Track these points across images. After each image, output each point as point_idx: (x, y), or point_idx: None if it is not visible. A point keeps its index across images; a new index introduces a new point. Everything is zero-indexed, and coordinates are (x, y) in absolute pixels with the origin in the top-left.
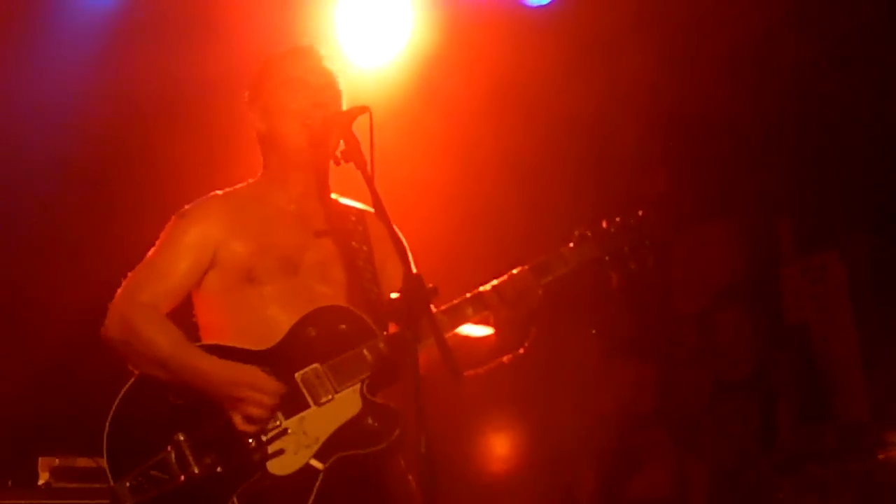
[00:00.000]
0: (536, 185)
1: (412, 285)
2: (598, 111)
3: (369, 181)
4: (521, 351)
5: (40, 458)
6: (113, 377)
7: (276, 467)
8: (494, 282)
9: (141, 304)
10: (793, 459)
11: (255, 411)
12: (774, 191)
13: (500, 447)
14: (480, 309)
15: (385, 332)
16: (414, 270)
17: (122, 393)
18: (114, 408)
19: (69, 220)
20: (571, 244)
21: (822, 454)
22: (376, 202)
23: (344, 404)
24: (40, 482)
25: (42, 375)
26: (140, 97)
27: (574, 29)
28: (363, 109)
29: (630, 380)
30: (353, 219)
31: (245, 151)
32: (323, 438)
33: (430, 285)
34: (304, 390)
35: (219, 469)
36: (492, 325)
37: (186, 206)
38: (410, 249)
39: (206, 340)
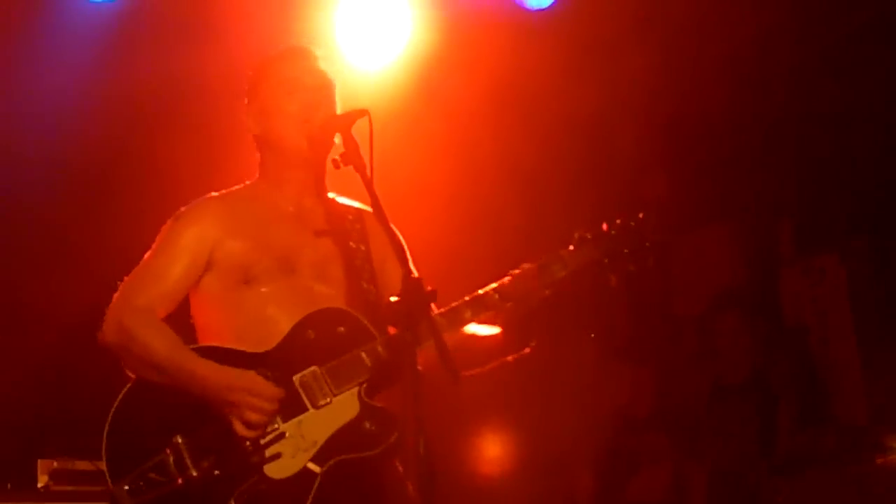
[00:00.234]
0: (536, 187)
1: (412, 288)
2: (597, 114)
3: (369, 184)
4: (527, 350)
5: (39, 461)
6: (112, 380)
7: (274, 471)
8: (494, 284)
9: (137, 308)
10: (792, 462)
11: (253, 416)
12: (774, 193)
13: (498, 450)
14: (482, 310)
15: (384, 335)
16: (414, 273)
17: (122, 395)
18: (113, 410)
19: (67, 222)
20: (571, 246)
21: (821, 457)
22: (375, 205)
23: (342, 408)
24: (39, 485)
25: (41, 378)
26: (138, 99)
27: (574, 32)
28: (362, 113)
29: (628, 382)
30: (351, 218)
31: (243, 153)
32: (320, 442)
33: (430, 288)
34: (302, 393)
35: (216, 472)
36: (498, 325)
37: (182, 208)
38: (410, 251)
39: (204, 342)
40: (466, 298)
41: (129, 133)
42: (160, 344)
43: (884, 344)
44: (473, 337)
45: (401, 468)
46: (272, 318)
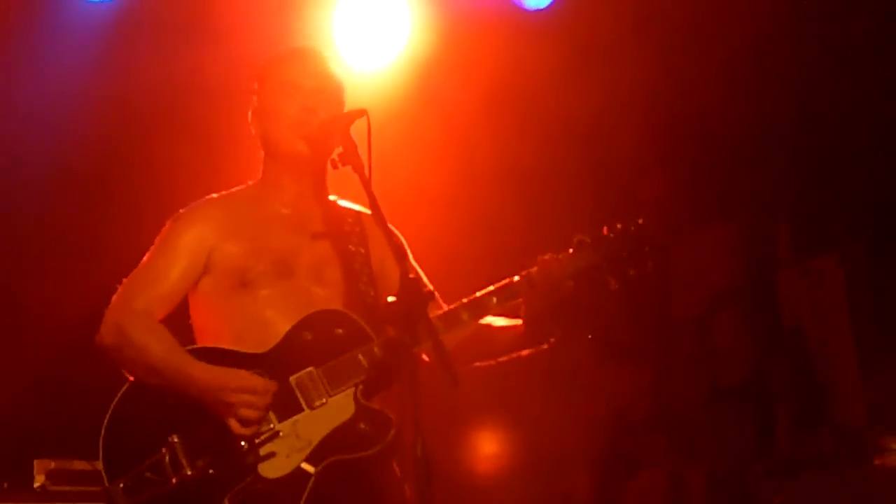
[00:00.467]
0: (534, 188)
1: (409, 288)
2: (596, 115)
3: (367, 185)
4: (546, 346)
5: (36, 461)
6: (109, 381)
7: (268, 470)
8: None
9: (135, 310)
10: (789, 464)
11: (247, 413)
12: (772, 195)
13: (495, 452)
14: (511, 297)
15: (381, 336)
16: (411, 273)
17: (119, 395)
18: (110, 410)
19: (66, 224)
20: (570, 250)
21: (818, 459)
22: (374, 206)
23: (337, 408)
24: (36, 485)
25: (38, 379)
26: (137, 101)
27: (572, 33)
28: (361, 113)
29: (626, 384)
30: (351, 221)
31: (242, 155)
32: (315, 442)
33: (428, 288)
34: (298, 393)
35: (211, 471)
36: (520, 316)
37: (181, 210)
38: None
39: (202, 344)
40: (464, 300)
41: (127, 134)
42: (156, 346)
43: (881, 346)
44: (491, 327)
45: (398, 469)
46: (270, 321)
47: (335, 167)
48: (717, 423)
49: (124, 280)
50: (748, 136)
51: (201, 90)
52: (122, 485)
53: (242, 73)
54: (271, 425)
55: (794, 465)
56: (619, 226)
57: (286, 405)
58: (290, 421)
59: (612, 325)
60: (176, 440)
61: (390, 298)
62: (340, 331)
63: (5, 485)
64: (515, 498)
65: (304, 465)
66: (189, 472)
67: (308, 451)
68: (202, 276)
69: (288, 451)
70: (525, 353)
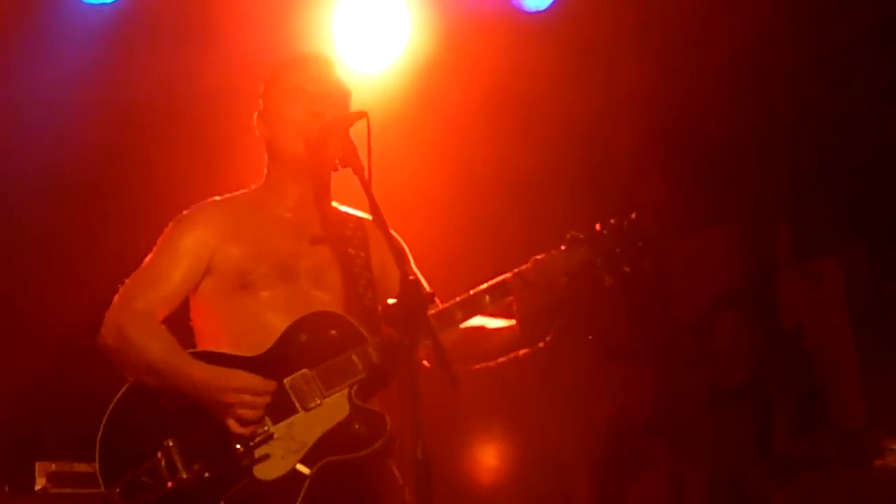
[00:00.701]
0: (534, 190)
1: (410, 291)
2: (595, 117)
3: (366, 186)
4: (541, 345)
5: (37, 464)
6: (110, 383)
7: (264, 472)
8: (484, 286)
9: (136, 311)
10: (789, 466)
11: (246, 413)
12: (771, 197)
13: (495, 454)
14: (503, 295)
15: (376, 337)
16: (412, 275)
17: (116, 399)
18: (107, 414)
19: (65, 227)
20: (563, 247)
21: (818, 460)
22: (373, 207)
23: (332, 409)
24: (37, 487)
25: (39, 381)
26: (136, 103)
27: (572, 35)
28: (361, 115)
29: (626, 386)
30: (352, 225)
31: (242, 158)
32: (310, 443)
33: (428, 290)
34: (293, 395)
35: (206, 475)
36: (514, 316)
37: (184, 212)
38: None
39: (202, 346)
40: (458, 299)
41: (125, 137)
42: (156, 347)
43: (881, 347)
44: (486, 329)
45: (397, 471)
46: (270, 324)
47: (335, 169)
48: (718, 424)
49: (126, 281)
50: (747, 138)
51: (200, 93)
52: (118, 489)
53: (241, 76)
54: (266, 427)
55: (794, 466)
56: (612, 222)
57: (280, 407)
58: (284, 423)
59: (611, 327)
60: (171, 444)
61: (391, 300)
62: (335, 332)
63: (6, 488)
64: (516, 500)
65: (300, 467)
66: (185, 476)
67: (303, 452)
68: (203, 278)
69: (283, 452)
70: (522, 353)
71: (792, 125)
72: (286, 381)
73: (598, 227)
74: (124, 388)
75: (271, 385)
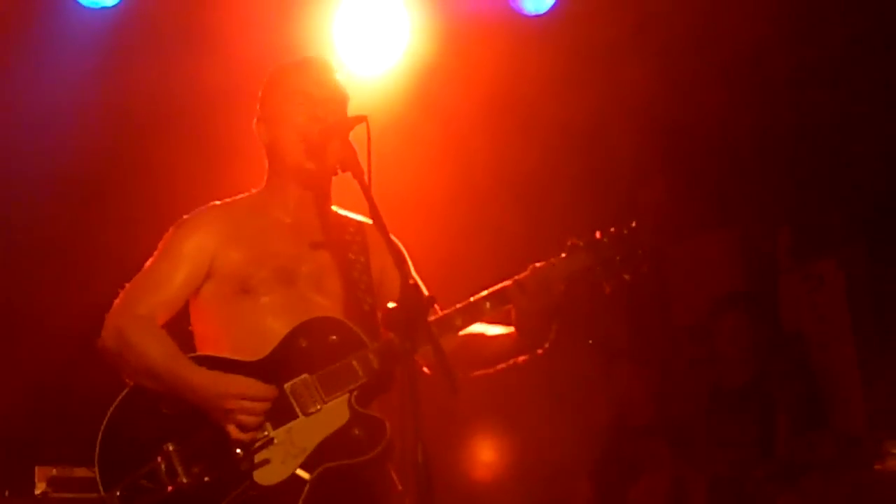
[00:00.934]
0: (534, 194)
1: (409, 294)
2: (595, 121)
3: (366, 190)
4: (540, 352)
5: (37, 468)
6: (110, 387)
7: (263, 477)
8: (484, 292)
9: (136, 315)
10: (790, 469)
11: (245, 419)
12: (772, 200)
13: (496, 457)
14: (503, 303)
15: (376, 343)
16: (412, 279)
17: (116, 403)
18: (107, 418)
19: (65, 231)
20: (563, 254)
21: (819, 464)
22: (373, 211)
23: (331, 415)
24: (37, 492)
25: (39, 385)
26: (136, 107)
27: (572, 39)
28: (361, 118)
29: (627, 389)
30: (352, 230)
31: (243, 162)
32: (310, 449)
33: (428, 294)
34: (293, 400)
35: (206, 479)
36: (512, 324)
37: (185, 216)
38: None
39: (202, 350)
40: (458, 306)
41: (125, 140)
42: (157, 352)
43: (882, 350)
44: (485, 336)
45: (396, 476)
46: (270, 328)
47: (335, 173)
48: (719, 427)
49: (126, 285)
50: (747, 141)
51: (200, 97)
52: (118, 493)
53: (241, 79)
54: (266, 432)
55: (794, 469)
56: (612, 230)
57: (281, 412)
58: (284, 428)
59: (612, 330)
60: (171, 448)
61: (390, 304)
62: (335, 338)
63: (6, 492)
64: (516, 503)
65: (300, 472)
66: (185, 480)
67: (303, 457)
68: (204, 283)
69: (283, 457)
70: (521, 360)
71: (792, 127)
72: (286, 385)
73: (597, 234)
74: (124, 392)
75: (271, 391)
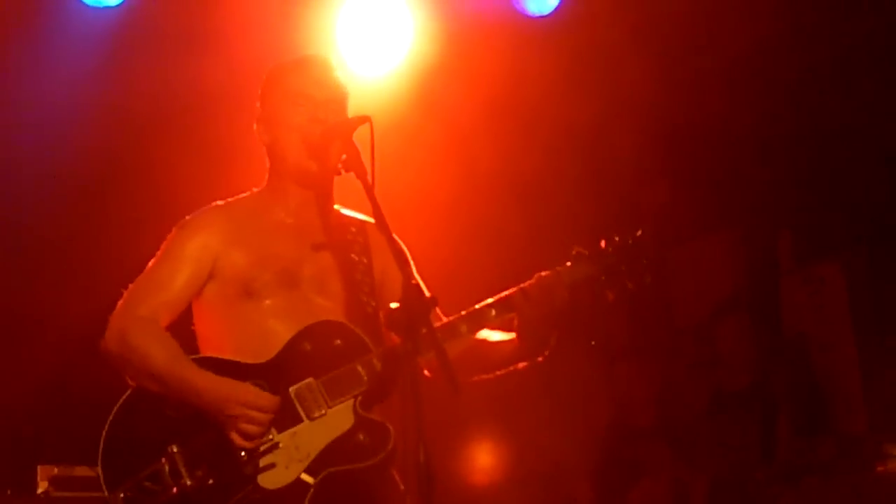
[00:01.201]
0: (536, 195)
1: (411, 295)
2: (597, 123)
3: (369, 191)
4: (540, 359)
5: (39, 467)
6: (113, 387)
7: (267, 481)
8: (490, 300)
9: (139, 317)
10: (791, 470)
11: (249, 428)
12: (774, 202)
13: (497, 459)
14: (507, 310)
15: (380, 348)
16: (414, 280)
17: (119, 404)
18: (110, 418)
19: (67, 231)
20: (568, 263)
21: (820, 465)
22: (376, 212)
23: (336, 419)
24: (39, 491)
25: (42, 385)
26: (139, 107)
27: (574, 40)
28: (364, 119)
29: (628, 391)
30: (354, 230)
31: (245, 162)
32: (314, 453)
33: (430, 294)
34: (298, 405)
35: (210, 482)
36: (514, 330)
37: (187, 217)
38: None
39: (205, 352)
40: (463, 313)
41: (128, 141)
42: (160, 354)
43: (883, 352)
44: (484, 342)
45: (399, 480)
46: (273, 331)
47: (338, 174)
48: (720, 429)
49: (130, 286)
50: (749, 143)
51: (203, 97)
52: (122, 494)
53: (244, 80)
54: (270, 436)
55: (796, 471)
56: (616, 239)
57: (285, 416)
58: (289, 432)
59: (613, 332)
60: (175, 450)
61: (393, 305)
62: (339, 342)
63: (8, 491)
64: None
65: (304, 476)
66: (188, 482)
67: (307, 462)
68: (207, 284)
69: (287, 461)
70: (521, 366)
71: (794, 129)
72: (291, 389)
73: (602, 243)
74: (128, 393)
75: (275, 401)
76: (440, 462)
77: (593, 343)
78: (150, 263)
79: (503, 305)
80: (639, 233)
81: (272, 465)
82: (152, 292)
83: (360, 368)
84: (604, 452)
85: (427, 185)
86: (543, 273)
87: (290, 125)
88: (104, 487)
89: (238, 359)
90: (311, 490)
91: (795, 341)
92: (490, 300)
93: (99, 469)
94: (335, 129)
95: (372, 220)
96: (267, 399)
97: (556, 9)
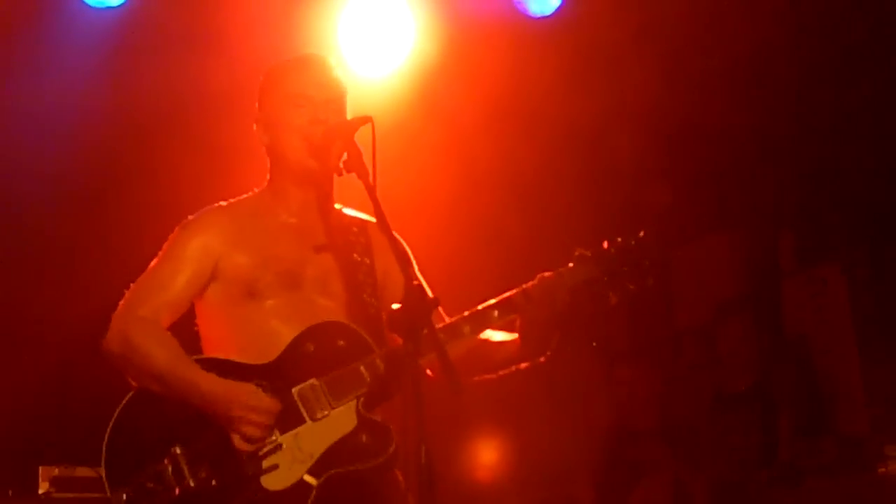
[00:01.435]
0: (537, 196)
1: (413, 295)
2: (599, 123)
3: (371, 191)
4: (543, 360)
5: (40, 468)
6: (114, 388)
7: (270, 482)
8: (492, 301)
9: (140, 317)
10: (792, 472)
11: (251, 430)
12: (775, 204)
13: (497, 460)
14: (510, 311)
15: (383, 348)
16: (416, 280)
17: (123, 404)
18: (113, 419)
19: (68, 231)
20: (570, 264)
21: (822, 467)
22: (378, 212)
23: (339, 420)
24: (40, 492)
25: (43, 385)
26: (141, 108)
27: (576, 41)
28: (365, 120)
29: (629, 392)
30: (356, 230)
31: (247, 163)
32: (317, 454)
33: (432, 295)
34: (301, 405)
35: (213, 483)
36: (516, 331)
37: (190, 217)
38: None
39: (208, 352)
40: (466, 314)
41: (130, 141)
42: (162, 355)
43: (885, 354)
44: (487, 342)
45: (402, 479)
46: (275, 332)
47: (340, 174)
48: (721, 431)
49: (131, 286)
50: (751, 143)
51: (205, 97)
52: (124, 495)
53: (246, 80)
54: (273, 437)
55: (796, 473)
56: (619, 240)
57: (288, 417)
58: (292, 433)
59: (614, 333)
60: (178, 451)
61: (395, 305)
62: (342, 342)
63: (10, 492)
64: None
65: (306, 478)
66: (191, 483)
67: (310, 463)
68: (209, 284)
69: (290, 462)
70: (523, 366)
71: (795, 130)
72: (294, 390)
73: (605, 245)
74: (130, 394)
75: (277, 405)
76: (442, 462)
77: (595, 344)
78: (152, 263)
79: (505, 306)
80: (641, 234)
81: (275, 466)
82: (153, 292)
83: (362, 369)
84: (605, 453)
85: (428, 186)
86: (546, 274)
87: (290, 126)
88: (107, 488)
89: (241, 360)
90: (314, 491)
91: (797, 342)
92: (492, 301)
93: (102, 469)
94: (336, 129)
95: (374, 219)
96: (269, 401)
97: (558, 10)
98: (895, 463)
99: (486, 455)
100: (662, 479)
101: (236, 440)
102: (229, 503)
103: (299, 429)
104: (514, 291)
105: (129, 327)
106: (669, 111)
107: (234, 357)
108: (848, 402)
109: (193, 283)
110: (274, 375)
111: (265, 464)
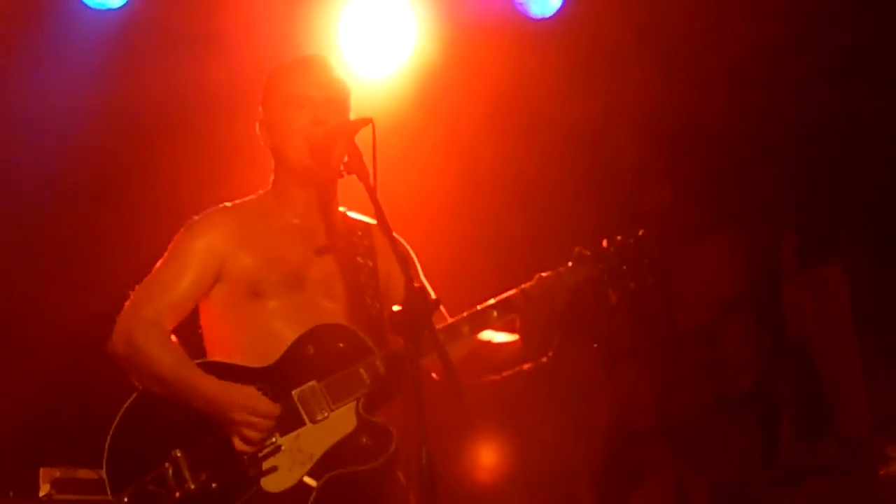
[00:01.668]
0: (538, 197)
1: (413, 297)
2: (600, 124)
3: (372, 192)
4: (544, 360)
5: (42, 470)
6: (116, 389)
7: (270, 484)
8: (492, 301)
9: (145, 319)
10: (793, 473)
11: (251, 434)
12: (776, 204)
13: (498, 460)
14: (509, 311)
15: (383, 350)
16: (417, 282)
17: (125, 407)
18: (116, 422)
19: (71, 232)
20: (570, 263)
21: (823, 468)
22: (379, 214)
23: (339, 422)
24: (41, 493)
25: (45, 387)
26: (141, 109)
27: (577, 42)
28: (366, 121)
29: (630, 392)
30: (360, 233)
31: (249, 163)
32: (317, 456)
33: (433, 296)
34: (301, 408)
35: (214, 485)
36: (516, 331)
37: (195, 217)
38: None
39: (211, 354)
40: (465, 314)
41: (131, 142)
42: (165, 357)
43: (886, 354)
44: (488, 344)
45: (403, 479)
46: (279, 333)
47: (340, 176)
48: (722, 431)
49: (136, 287)
50: (752, 144)
51: (206, 98)
52: (126, 498)
53: (247, 81)
54: (273, 439)
55: (798, 474)
56: (618, 238)
57: (288, 419)
58: (292, 435)
59: (616, 333)
60: (179, 454)
61: (396, 307)
62: (342, 345)
63: (10, 493)
64: None
65: (307, 479)
66: (192, 486)
67: (310, 465)
68: (214, 286)
69: (290, 464)
70: (525, 367)
71: (796, 131)
72: (294, 392)
73: (604, 243)
74: (133, 396)
75: (277, 409)
76: (443, 463)
77: (596, 345)
78: (157, 264)
79: (504, 306)
80: (641, 232)
81: (275, 469)
82: (158, 294)
83: (362, 371)
84: (606, 453)
85: (429, 187)
86: (544, 274)
87: (292, 128)
88: (108, 490)
89: (242, 362)
90: (314, 493)
91: (798, 343)
92: (491, 301)
93: (103, 471)
94: (337, 130)
95: (376, 222)
96: (269, 404)
97: (559, 11)
98: None
99: (488, 456)
100: (663, 479)
101: (237, 443)
102: None
103: (299, 431)
104: (513, 291)
105: (134, 330)
106: (670, 112)
107: (237, 358)
108: (849, 403)
109: (199, 284)
110: (274, 378)
111: (265, 466)
